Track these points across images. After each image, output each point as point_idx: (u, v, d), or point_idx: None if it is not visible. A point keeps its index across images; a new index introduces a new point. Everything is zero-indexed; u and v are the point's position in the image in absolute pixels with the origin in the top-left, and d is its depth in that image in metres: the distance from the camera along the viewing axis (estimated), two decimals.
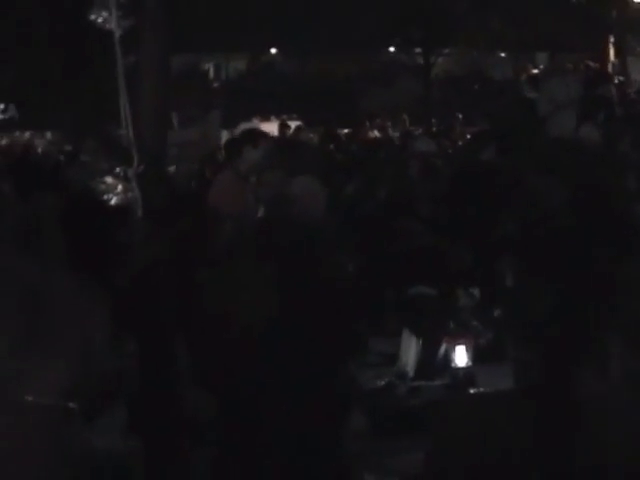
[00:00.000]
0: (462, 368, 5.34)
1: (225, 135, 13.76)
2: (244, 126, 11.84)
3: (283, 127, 15.75)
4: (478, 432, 2.19)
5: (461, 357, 5.40)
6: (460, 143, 13.56)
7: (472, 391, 5.08)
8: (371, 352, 5.86)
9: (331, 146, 13.07)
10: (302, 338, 4.25)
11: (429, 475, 2.33)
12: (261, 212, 5.98)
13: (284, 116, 18.65)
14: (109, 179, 6.20)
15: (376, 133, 16.25)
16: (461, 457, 2.20)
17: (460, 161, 9.36)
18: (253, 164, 6.66)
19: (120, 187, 6.12)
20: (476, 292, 6.06)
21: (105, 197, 6.11)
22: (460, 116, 19.28)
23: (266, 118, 19.51)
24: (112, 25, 6.75)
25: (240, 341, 4.45)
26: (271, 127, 15.04)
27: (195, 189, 9.65)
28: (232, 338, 4.45)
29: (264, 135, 7.48)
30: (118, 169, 6.28)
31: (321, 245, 4.47)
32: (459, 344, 5.42)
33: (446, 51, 26.18)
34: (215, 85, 27.31)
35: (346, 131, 16.48)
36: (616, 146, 8.68)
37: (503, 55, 27.97)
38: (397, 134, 15.79)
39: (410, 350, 5.46)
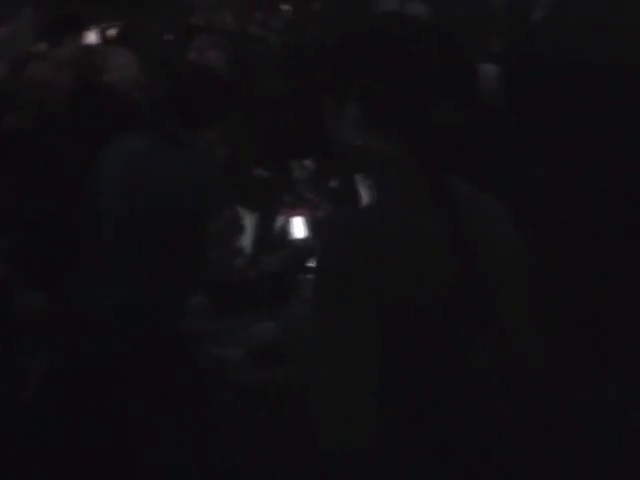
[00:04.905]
0: (300, 239, 5.26)
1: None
2: None
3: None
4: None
5: (299, 229, 5.32)
6: None
7: (311, 263, 4.95)
8: None
9: None
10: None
11: None
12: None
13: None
14: None
15: None
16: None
17: None
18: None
19: None
20: (310, 163, 5.95)
21: None
22: None
23: None
24: None
25: None
26: None
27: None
28: None
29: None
30: None
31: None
32: (295, 216, 5.34)
33: None
34: None
35: None
36: None
37: None
38: None
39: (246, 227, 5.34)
